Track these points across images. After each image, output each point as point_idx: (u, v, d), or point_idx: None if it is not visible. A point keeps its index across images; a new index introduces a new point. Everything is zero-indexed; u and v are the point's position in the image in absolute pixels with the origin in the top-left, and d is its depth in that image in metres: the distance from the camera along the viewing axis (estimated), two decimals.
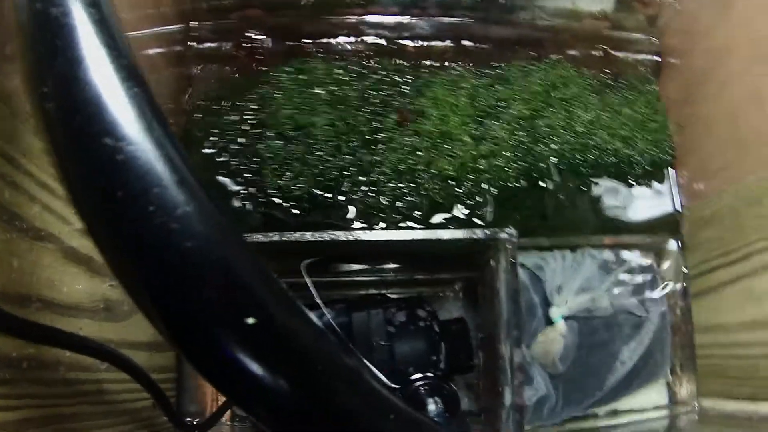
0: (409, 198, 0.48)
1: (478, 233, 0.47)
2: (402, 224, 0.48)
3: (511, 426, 0.46)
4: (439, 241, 0.46)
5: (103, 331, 0.36)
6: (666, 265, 0.53)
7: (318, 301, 0.45)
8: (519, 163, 0.49)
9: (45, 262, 0.29)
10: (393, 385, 0.45)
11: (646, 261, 0.52)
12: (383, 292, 0.53)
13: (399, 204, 0.48)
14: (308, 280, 0.45)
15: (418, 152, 0.49)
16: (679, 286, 0.52)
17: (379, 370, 0.44)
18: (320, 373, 0.13)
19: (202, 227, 0.12)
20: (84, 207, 0.13)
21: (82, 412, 0.33)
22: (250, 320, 0.12)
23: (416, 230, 0.45)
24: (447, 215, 0.49)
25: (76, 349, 0.26)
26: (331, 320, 0.46)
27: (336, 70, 0.51)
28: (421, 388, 0.45)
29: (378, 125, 0.50)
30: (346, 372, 0.14)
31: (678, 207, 0.54)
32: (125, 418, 0.40)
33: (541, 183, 0.50)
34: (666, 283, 0.52)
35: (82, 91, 0.12)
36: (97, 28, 0.12)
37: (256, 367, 0.12)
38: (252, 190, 0.50)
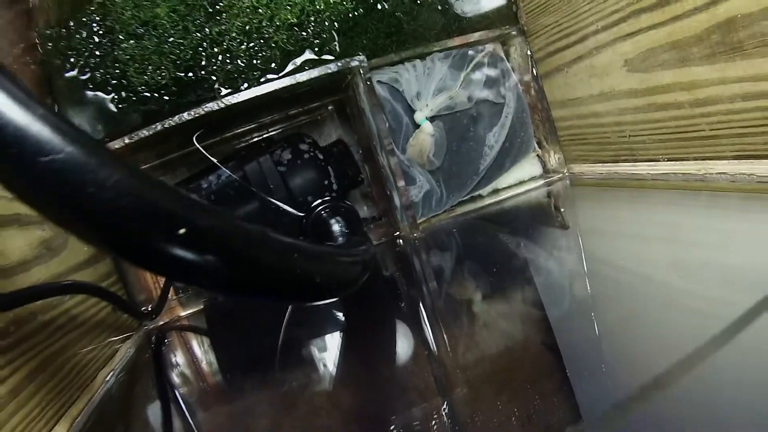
0: (263, 54, 0.52)
1: (332, 67, 0.51)
2: (263, 79, 0.52)
3: (406, 222, 0.53)
4: (299, 83, 0.50)
5: (52, 268, 0.41)
6: (513, 52, 0.59)
7: (216, 163, 0.50)
8: None
9: None
10: (299, 214, 0.51)
11: (494, 52, 0.57)
12: (266, 135, 0.58)
13: (255, 62, 0.52)
14: (202, 149, 0.50)
15: (259, 11, 0.52)
16: (528, 69, 0.58)
17: (285, 205, 0.50)
18: (238, 244, 0.18)
19: (135, 186, 0.15)
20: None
21: (65, 343, 0.38)
22: (182, 231, 0.16)
23: (277, 81, 0.49)
24: (301, 59, 0.53)
25: (36, 298, 0.31)
26: (229, 177, 0.51)
27: None
28: (323, 212, 0.52)
29: None
30: (254, 235, 0.19)
31: None
32: (98, 330, 0.45)
33: (378, 6, 0.54)
34: (515, 68, 0.58)
35: None
36: None
37: (195, 257, 0.17)
38: (123, 93, 0.53)
